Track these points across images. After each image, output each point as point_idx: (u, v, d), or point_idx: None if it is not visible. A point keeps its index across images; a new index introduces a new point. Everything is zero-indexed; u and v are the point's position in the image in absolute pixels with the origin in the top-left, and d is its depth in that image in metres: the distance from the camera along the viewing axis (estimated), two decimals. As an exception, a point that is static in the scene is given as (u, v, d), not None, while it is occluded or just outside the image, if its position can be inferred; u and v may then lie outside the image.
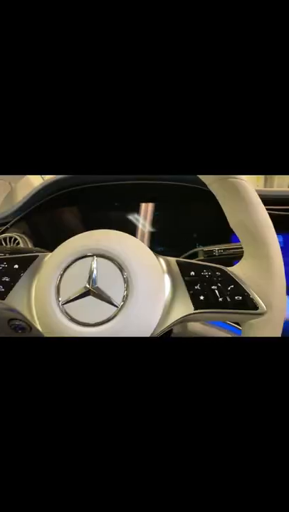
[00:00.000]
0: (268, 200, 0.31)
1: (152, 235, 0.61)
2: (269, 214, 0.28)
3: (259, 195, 0.29)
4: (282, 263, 0.28)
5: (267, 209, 0.29)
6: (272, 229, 0.28)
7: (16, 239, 0.55)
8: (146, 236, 0.61)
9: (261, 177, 1.89)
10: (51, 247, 0.56)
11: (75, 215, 0.63)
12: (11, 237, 0.55)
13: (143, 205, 0.61)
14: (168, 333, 0.45)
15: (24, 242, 0.55)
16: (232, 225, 0.29)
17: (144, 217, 0.61)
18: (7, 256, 0.32)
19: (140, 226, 0.61)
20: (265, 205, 0.29)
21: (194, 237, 0.54)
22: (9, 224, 0.59)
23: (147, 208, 0.61)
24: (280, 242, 0.51)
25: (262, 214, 0.28)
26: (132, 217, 0.61)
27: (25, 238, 0.56)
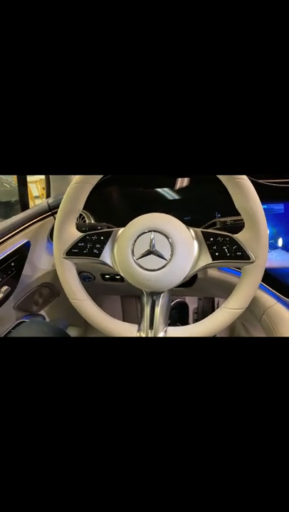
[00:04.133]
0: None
1: (184, 208, 0.77)
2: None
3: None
4: (267, 231, 0.45)
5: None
6: (262, 210, 0.45)
7: (81, 215, 0.75)
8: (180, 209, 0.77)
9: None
10: (105, 220, 0.73)
11: (120, 194, 0.80)
12: (80, 214, 0.75)
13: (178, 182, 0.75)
14: (194, 277, 0.65)
15: (88, 218, 0.75)
16: (237, 207, 0.46)
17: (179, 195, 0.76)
18: (97, 231, 0.52)
19: (175, 201, 0.76)
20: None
21: (215, 210, 0.71)
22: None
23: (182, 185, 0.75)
24: (281, 209, 0.68)
25: (255, 201, 0.44)
26: (168, 195, 0.76)
27: (88, 214, 0.75)
